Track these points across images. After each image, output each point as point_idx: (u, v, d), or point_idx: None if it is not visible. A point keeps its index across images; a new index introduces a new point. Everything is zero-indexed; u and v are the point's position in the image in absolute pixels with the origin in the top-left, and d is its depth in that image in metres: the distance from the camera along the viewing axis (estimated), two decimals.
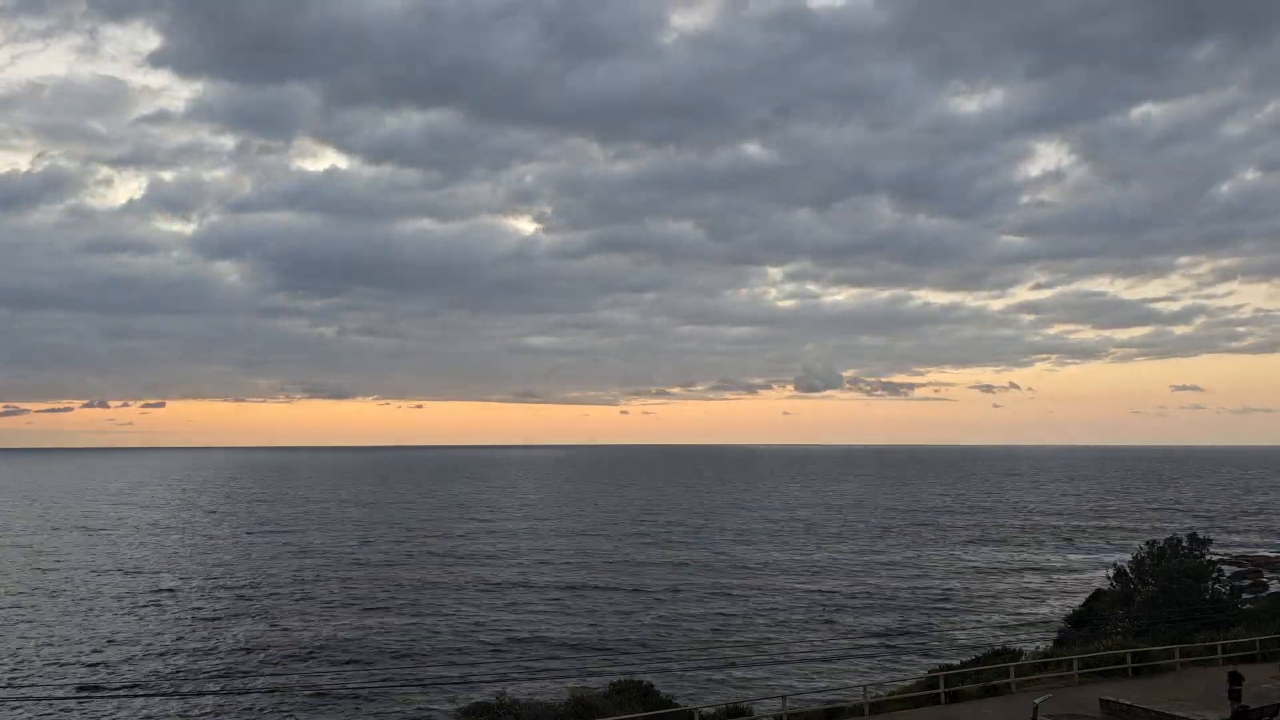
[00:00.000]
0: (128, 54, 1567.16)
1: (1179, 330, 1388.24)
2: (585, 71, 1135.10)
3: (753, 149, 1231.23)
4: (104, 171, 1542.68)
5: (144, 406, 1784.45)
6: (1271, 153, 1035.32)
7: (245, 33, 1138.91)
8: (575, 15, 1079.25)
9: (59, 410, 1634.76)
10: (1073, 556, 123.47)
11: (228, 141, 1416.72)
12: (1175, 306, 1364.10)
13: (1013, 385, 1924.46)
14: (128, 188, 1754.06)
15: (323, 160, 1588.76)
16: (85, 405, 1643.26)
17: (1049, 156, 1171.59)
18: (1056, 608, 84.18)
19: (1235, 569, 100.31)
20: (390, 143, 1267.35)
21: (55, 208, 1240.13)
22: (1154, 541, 66.34)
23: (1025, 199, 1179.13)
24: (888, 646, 70.86)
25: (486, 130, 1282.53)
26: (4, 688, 59.55)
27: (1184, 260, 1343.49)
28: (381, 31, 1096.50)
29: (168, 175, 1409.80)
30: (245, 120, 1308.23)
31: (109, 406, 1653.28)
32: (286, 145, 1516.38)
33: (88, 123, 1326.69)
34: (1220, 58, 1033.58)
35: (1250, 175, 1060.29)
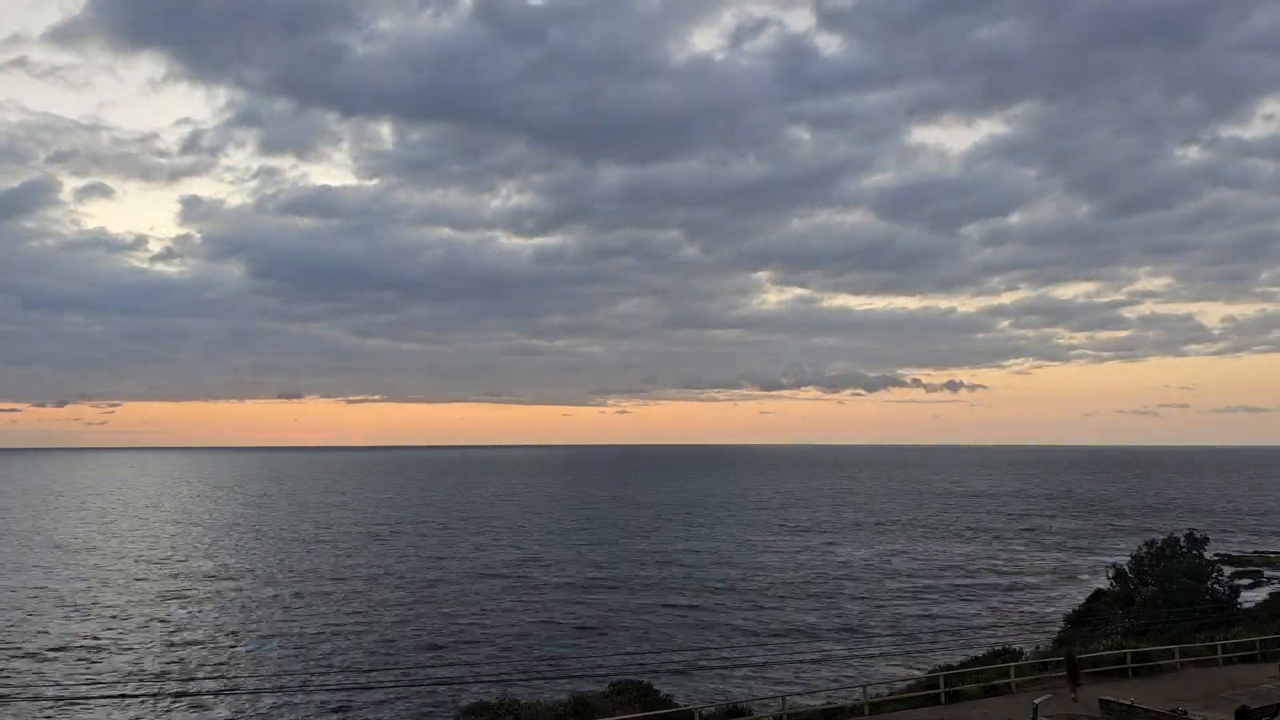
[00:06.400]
0: (135, 70, 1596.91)
1: (1152, 334, 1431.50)
2: (580, 87, 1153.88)
3: (741, 163, 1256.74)
4: (102, 182, 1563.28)
5: (95, 405, 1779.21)
6: (1230, 170, 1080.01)
7: (248, 49, 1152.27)
8: (569, 34, 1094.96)
9: (11, 410, 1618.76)
10: (1072, 556, 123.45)
11: (223, 151, 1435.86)
12: (1146, 311, 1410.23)
13: (991, 386, 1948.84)
14: (124, 198, 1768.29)
15: (322, 171, 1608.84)
16: (37, 405, 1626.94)
17: (1024, 173, 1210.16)
18: (1056, 608, 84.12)
19: (1235, 569, 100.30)
20: (386, 154, 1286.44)
21: (54, 213, 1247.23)
22: (1154, 541, 66.21)
23: (1001, 212, 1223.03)
24: (888, 646, 70.83)
25: (479, 142, 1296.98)
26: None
27: (1153, 268, 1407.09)
28: (380, 48, 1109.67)
29: (167, 184, 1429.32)
30: (240, 131, 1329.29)
31: (64, 406, 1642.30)
32: (283, 155, 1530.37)
33: (90, 132, 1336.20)
34: (1178, 77, 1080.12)
35: (1215, 189, 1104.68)
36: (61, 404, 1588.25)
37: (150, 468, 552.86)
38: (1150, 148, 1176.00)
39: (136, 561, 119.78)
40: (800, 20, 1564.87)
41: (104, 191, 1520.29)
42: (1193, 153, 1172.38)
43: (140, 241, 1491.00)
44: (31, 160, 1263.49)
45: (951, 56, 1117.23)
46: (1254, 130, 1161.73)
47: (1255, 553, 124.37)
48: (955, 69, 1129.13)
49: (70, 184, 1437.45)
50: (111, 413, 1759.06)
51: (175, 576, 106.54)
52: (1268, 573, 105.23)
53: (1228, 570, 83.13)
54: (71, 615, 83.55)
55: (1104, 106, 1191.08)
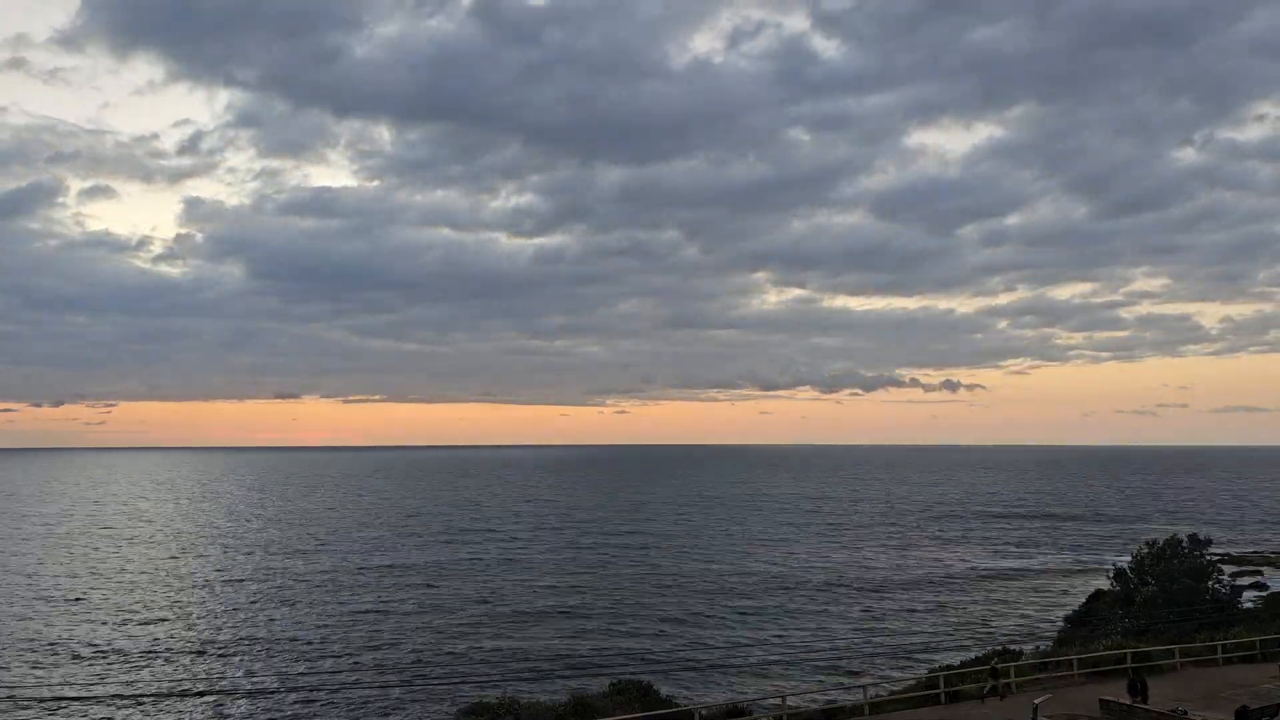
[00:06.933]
0: (135, 72, 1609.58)
1: (1149, 334, 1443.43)
2: (579, 88, 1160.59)
3: (741, 164, 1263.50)
4: (105, 183, 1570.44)
5: (91, 405, 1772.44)
6: (1226, 171, 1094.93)
7: (246, 51, 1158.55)
8: (568, 35, 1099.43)
9: (7, 410, 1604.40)
10: (1072, 556, 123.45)
11: (223, 153, 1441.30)
12: (1144, 311, 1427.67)
13: (990, 386, 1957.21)
14: (127, 199, 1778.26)
15: (321, 172, 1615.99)
16: (33, 405, 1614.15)
17: (1021, 175, 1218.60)
18: (1056, 608, 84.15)
19: (1235, 569, 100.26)
20: (386, 155, 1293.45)
21: (58, 214, 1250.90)
22: (1154, 541, 66.33)
23: (999, 213, 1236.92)
24: (888, 646, 70.83)
25: (478, 143, 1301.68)
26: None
27: (1150, 269, 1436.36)
28: (378, 49, 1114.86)
29: (169, 186, 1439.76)
30: (240, 133, 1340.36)
31: (60, 406, 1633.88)
32: (282, 157, 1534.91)
33: (93, 134, 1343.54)
34: (1173, 79, 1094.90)
35: (1212, 190, 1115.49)
36: (58, 404, 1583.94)
37: (143, 468, 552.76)
38: (1147, 149, 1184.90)
39: (130, 561, 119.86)
40: (797, 23, 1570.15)
41: (107, 193, 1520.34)
42: (1189, 154, 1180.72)
43: (144, 242, 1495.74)
44: (35, 162, 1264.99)
45: (948, 59, 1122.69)
46: (1249, 133, 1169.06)
47: (1255, 553, 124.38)
48: (952, 71, 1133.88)
49: (75, 185, 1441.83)
50: (108, 413, 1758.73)
51: (173, 577, 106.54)
52: (1268, 573, 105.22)
53: (1228, 570, 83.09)
54: (47, 616, 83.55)
55: (1100, 108, 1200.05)
